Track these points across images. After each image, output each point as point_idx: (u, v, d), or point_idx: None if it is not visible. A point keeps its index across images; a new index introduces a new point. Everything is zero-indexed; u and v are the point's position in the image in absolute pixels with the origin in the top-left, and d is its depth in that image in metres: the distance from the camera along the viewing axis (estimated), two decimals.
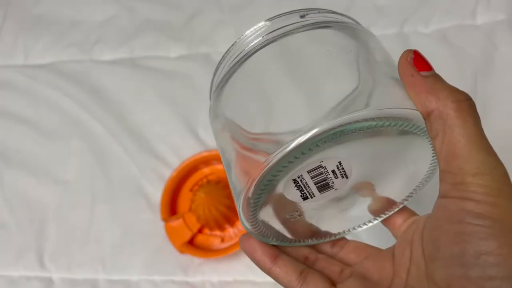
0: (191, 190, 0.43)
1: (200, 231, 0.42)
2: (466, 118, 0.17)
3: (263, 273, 0.23)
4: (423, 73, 0.18)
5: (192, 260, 0.41)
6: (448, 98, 0.17)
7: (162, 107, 0.48)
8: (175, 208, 0.43)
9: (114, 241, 0.43)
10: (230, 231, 0.42)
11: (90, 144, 0.47)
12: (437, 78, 0.18)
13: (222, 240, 0.41)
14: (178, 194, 0.44)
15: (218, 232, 0.42)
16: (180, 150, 0.45)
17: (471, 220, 0.16)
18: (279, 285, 0.25)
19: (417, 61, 0.18)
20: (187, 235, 0.40)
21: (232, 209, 0.40)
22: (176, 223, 0.41)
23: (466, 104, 0.17)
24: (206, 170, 0.44)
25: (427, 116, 0.18)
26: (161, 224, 0.42)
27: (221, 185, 0.40)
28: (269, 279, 0.27)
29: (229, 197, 0.40)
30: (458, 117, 0.17)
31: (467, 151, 0.17)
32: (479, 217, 0.16)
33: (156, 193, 0.43)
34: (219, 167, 0.44)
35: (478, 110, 0.18)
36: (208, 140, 0.46)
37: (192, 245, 0.41)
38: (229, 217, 0.40)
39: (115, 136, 0.47)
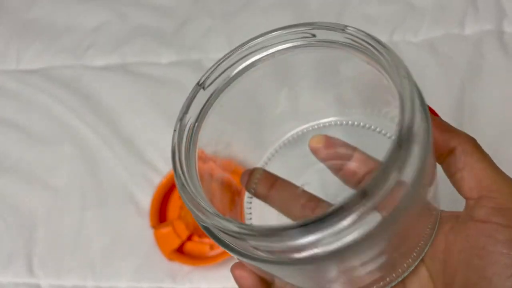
0: (180, 197, 0.43)
1: (189, 238, 0.42)
2: (484, 153, 0.18)
3: None
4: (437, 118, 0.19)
5: (181, 267, 0.41)
6: (465, 137, 0.19)
7: (153, 113, 0.48)
8: (164, 215, 0.43)
9: (103, 248, 0.43)
10: None
11: (80, 150, 0.47)
12: (446, 122, 0.20)
13: (211, 248, 0.41)
14: (167, 201, 0.44)
15: (207, 240, 0.42)
16: (169, 156, 0.45)
17: None
18: None
19: (430, 109, 0.19)
20: (176, 243, 0.41)
21: None
22: (165, 230, 0.41)
23: (477, 143, 0.19)
24: None
25: (449, 152, 0.19)
26: (150, 231, 0.42)
27: None
28: None
29: None
30: (478, 152, 0.18)
31: (499, 177, 0.18)
32: None
33: (146, 199, 0.43)
34: None
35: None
36: None
37: (181, 252, 0.41)
38: None
39: (105, 142, 0.47)
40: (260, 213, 0.24)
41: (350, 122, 0.23)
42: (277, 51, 0.20)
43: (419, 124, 0.15)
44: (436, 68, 0.44)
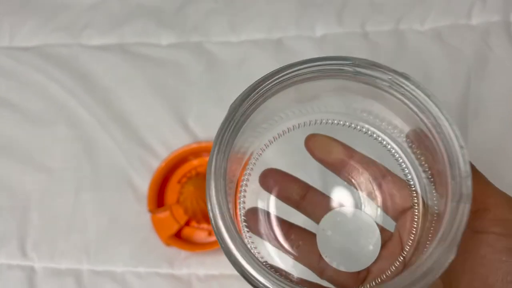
0: (179, 182, 0.43)
1: (187, 223, 0.41)
2: (478, 171, 0.20)
3: None
4: None
5: (179, 252, 0.40)
6: None
7: (151, 96, 0.47)
8: (162, 200, 0.42)
9: (99, 231, 0.42)
10: None
11: (76, 131, 0.46)
12: None
13: (210, 234, 0.41)
14: (165, 186, 0.43)
15: (205, 225, 0.41)
16: (168, 140, 0.44)
17: None
18: None
19: None
20: (174, 228, 0.40)
21: None
22: (163, 215, 0.40)
23: (471, 163, 0.19)
24: (195, 162, 0.43)
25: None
26: (147, 216, 0.41)
27: None
28: None
29: None
30: (473, 171, 0.19)
31: (493, 192, 0.20)
32: None
33: (143, 183, 0.42)
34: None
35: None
36: (198, 131, 0.45)
37: (178, 237, 0.41)
38: None
39: (102, 124, 0.46)
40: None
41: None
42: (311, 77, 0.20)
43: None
44: (442, 58, 0.43)
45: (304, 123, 0.23)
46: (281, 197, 0.23)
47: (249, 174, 0.24)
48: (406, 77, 0.19)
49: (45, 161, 0.45)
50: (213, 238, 0.41)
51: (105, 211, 0.42)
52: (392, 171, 0.22)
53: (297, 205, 0.23)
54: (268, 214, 0.24)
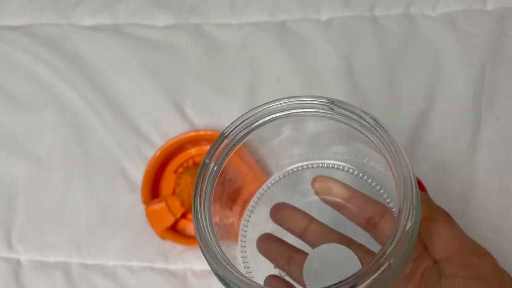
0: (175, 172, 0.40)
1: (183, 216, 0.39)
2: (453, 221, 0.23)
3: None
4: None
5: (174, 246, 0.38)
6: (438, 209, 0.23)
7: (146, 80, 0.44)
8: (157, 191, 0.40)
9: (89, 223, 0.40)
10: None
11: (66, 116, 0.43)
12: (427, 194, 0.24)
13: None
14: (161, 176, 0.40)
15: None
16: (164, 128, 0.42)
17: None
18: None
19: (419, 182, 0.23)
20: (170, 220, 0.38)
21: None
22: (158, 206, 0.38)
23: (448, 214, 0.23)
24: (192, 151, 0.41)
25: (424, 219, 0.22)
26: (141, 207, 0.39)
27: None
28: None
29: None
30: (448, 221, 0.22)
31: (465, 240, 0.22)
32: None
33: (137, 173, 0.40)
34: (208, 148, 0.41)
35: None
36: (195, 119, 0.42)
37: (174, 231, 0.38)
38: None
39: (94, 109, 0.43)
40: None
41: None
42: (297, 113, 0.22)
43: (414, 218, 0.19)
44: (454, 45, 0.41)
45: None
46: (287, 228, 0.26)
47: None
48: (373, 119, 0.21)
49: (33, 148, 0.43)
50: None
51: (96, 201, 0.40)
52: (389, 209, 0.24)
53: (300, 235, 0.26)
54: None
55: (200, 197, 0.22)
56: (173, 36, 0.45)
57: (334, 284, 0.17)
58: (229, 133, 0.23)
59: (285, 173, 0.27)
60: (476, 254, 0.21)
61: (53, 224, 0.40)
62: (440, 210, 0.23)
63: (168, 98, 0.43)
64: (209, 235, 0.20)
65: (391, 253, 0.17)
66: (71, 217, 0.40)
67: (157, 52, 0.45)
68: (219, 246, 0.20)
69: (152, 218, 0.38)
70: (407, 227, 0.18)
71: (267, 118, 0.22)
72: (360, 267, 0.23)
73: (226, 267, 0.19)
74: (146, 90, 0.43)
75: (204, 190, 0.22)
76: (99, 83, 0.44)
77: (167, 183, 0.40)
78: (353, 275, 0.17)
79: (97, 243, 0.39)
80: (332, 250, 0.23)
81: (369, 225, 0.24)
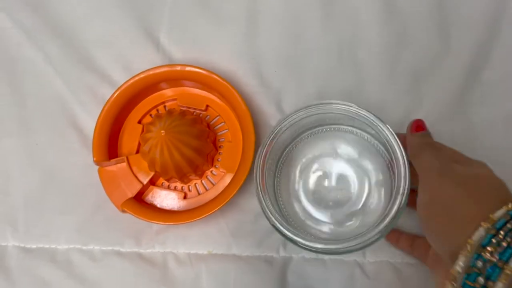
0: (140, 122, 0.29)
1: (152, 182, 0.28)
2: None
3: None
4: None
5: (148, 225, 0.28)
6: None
7: None
8: (115, 147, 0.29)
9: (29, 194, 0.31)
10: (197, 184, 0.29)
11: None
12: None
13: (185, 197, 0.28)
14: (121, 127, 0.30)
15: (178, 184, 0.29)
16: (130, 62, 0.31)
17: None
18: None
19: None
20: (134, 188, 0.28)
21: (202, 153, 0.27)
22: (116, 168, 0.28)
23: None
24: (168, 93, 0.30)
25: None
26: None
27: (189, 119, 0.27)
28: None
29: (199, 136, 0.27)
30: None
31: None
32: None
33: (93, 123, 0.29)
34: (191, 91, 0.30)
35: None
36: (173, 51, 0.32)
37: (140, 202, 0.28)
38: (197, 164, 0.27)
39: (32, 37, 0.33)
40: None
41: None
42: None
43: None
44: None
45: None
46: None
47: None
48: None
49: None
50: (192, 203, 0.28)
51: (38, 163, 0.31)
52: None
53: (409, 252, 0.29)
54: None
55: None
56: None
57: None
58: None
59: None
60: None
61: None
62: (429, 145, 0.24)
63: (136, 22, 0.33)
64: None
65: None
66: (3, 186, 0.30)
67: None
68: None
69: (108, 185, 0.28)
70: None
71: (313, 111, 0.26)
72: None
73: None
74: (106, 11, 0.33)
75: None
76: (39, 1, 0.32)
77: (130, 137, 0.30)
78: None
79: (40, 220, 0.30)
80: None
81: None
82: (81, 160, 0.30)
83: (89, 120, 0.30)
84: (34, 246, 0.29)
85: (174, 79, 0.30)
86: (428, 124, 0.25)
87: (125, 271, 0.28)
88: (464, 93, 0.30)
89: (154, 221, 0.27)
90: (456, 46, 0.31)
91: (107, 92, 0.30)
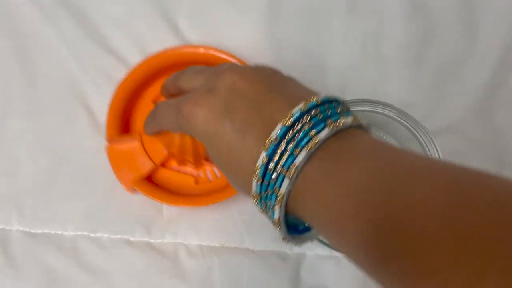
0: (154, 101, 0.28)
1: (162, 164, 0.27)
2: None
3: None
4: None
5: (160, 212, 0.27)
6: None
7: None
8: (128, 126, 0.28)
9: (37, 177, 0.29)
10: (208, 170, 0.28)
11: (3, 22, 0.31)
12: None
13: (197, 182, 0.28)
14: (135, 106, 0.28)
15: (189, 169, 0.28)
16: (145, 42, 0.30)
17: None
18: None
19: None
20: (145, 167, 0.26)
21: None
22: (128, 146, 0.26)
23: None
24: None
25: None
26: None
27: None
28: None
29: None
30: None
31: None
32: None
33: (105, 105, 0.28)
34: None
35: None
36: (192, 35, 0.31)
37: (151, 182, 0.27)
38: None
39: (45, 13, 0.31)
40: None
41: None
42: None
43: None
44: None
45: None
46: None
47: None
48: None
49: None
50: (203, 189, 0.27)
51: (46, 146, 0.30)
52: None
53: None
54: None
55: None
56: None
57: None
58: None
59: None
60: None
61: None
62: None
63: (155, 5, 0.31)
64: None
65: None
66: (9, 168, 0.29)
67: None
68: None
69: (116, 163, 0.26)
70: None
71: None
72: None
73: None
74: None
75: None
76: None
77: (143, 117, 0.28)
78: None
79: (47, 204, 0.28)
80: None
81: None
82: (92, 144, 0.28)
83: (102, 103, 0.28)
84: (39, 231, 0.28)
85: (195, 60, 0.29)
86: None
87: (134, 261, 0.27)
88: (490, 95, 0.29)
89: (165, 202, 0.26)
90: (483, 46, 0.30)
91: (121, 74, 0.29)
